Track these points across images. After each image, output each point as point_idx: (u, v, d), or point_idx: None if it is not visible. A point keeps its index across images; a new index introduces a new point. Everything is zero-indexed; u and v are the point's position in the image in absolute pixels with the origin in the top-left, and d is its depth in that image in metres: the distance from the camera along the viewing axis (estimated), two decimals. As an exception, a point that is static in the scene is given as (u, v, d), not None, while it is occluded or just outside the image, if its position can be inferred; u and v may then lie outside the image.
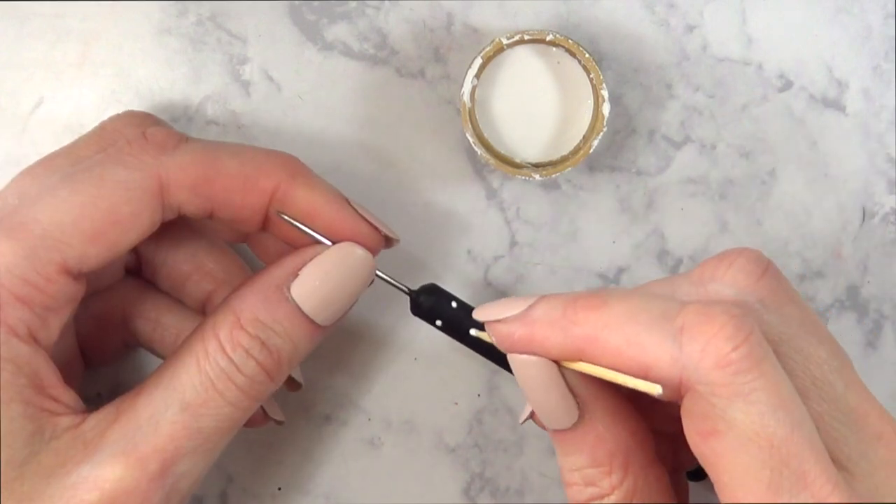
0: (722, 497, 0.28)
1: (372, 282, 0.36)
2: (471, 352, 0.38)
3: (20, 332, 0.31)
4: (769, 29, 0.40)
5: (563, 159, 0.39)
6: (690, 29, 0.40)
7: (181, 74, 0.40)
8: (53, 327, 0.32)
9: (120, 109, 0.39)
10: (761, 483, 0.27)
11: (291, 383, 0.37)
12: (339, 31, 0.40)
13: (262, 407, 0.37)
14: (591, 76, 0.38)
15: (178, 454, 0.31)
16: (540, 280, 0.41)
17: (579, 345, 0.30)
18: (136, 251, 0.37)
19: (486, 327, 0.32)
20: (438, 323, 0.37)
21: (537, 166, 0.39)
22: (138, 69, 0.40)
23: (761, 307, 0.31)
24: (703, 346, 0.28)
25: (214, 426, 0.32)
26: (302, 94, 0.40)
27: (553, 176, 0.38)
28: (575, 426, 0.31)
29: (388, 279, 0.36)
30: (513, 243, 0.41)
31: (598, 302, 0.30)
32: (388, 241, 0.36)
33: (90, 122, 0.38)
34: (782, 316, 0.31)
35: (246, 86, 0.40)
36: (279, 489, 0.41)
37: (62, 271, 0.31)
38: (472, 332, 0.34)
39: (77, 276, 0.32)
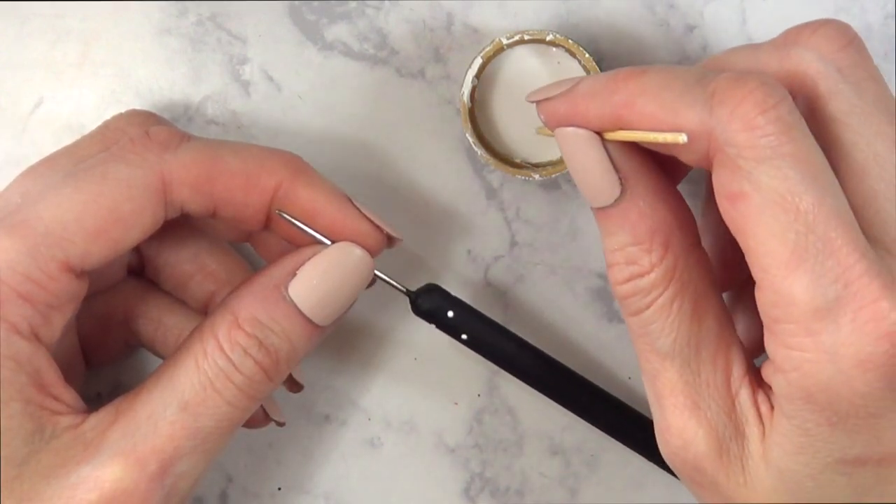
0: (751, 264, 0.29)
1: (373, 283, 0.36)
2: (471, 352, 0.38)
3: (22, 329, 0.31)
4: (769, 29, 0.40)
5: (563, 159, 0.39)
6: (690, 29, 0.40)
7: (181, 74, 0.40)
8: (56, 325, 0.32)
9: (120, 109, 0.39)
10: (786, 247, 0.27)
11: (293, 384, 0.37)
12: (339, 31, 0.40)
13: (262, 408, 0.37)
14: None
15: (177, 454, 0.31)
16: (540, 280, 0.41)
17: (617, 111, 0.30)
18: (138, 251, 0.37)
19: (537, 108, 0.33)
20: (439, 324, 0.37)
21: (537, 166, 0.39)
22: (138, 69, 0.40)
23: (839, 76, 0.31)
24: (732, 110, 0.28)
25: (213, 426, 0.32)
26: (302, 94, 0.40)
27: (553, 176, 0.38)
28: (617, 202, 0.31)
29: (388, 280, 0.36)
30: (513, 243, 0.41)
31: (637, 71, 0.30)
32: (391, 241, 0.36)
33: (90, 122, 0.38)
34: (859, 89, 0.31)
35: (246, 86, 0.40)
36: (279, 489, 0.41)
37: (65, 269, 0.31)
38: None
39: (80, 273, 0.32)
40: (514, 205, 0.41)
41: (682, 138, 0.29)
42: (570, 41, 0.38)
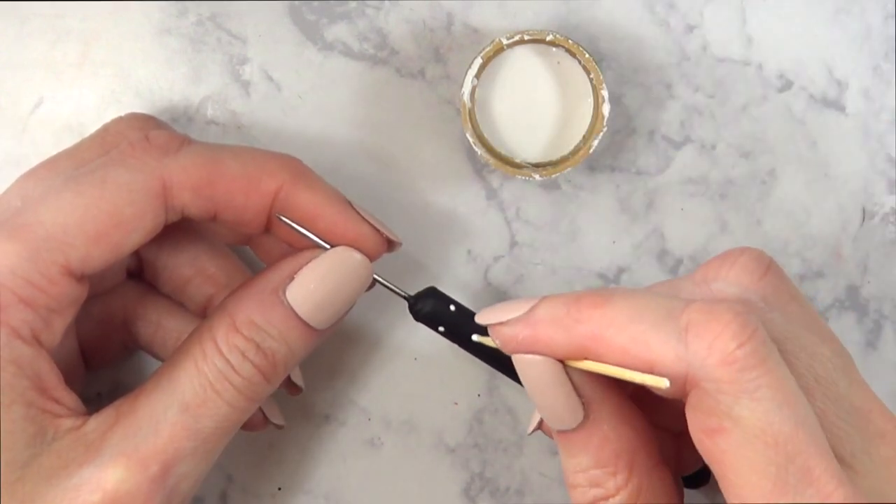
0: (728, 494, 0.28)
1: (372, 286, 0.36)
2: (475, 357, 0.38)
3: (23, 333, 0.31)
4: (769, 29, 0.40)
5: (563, 159, 0.39)
6: (690, 29, 0.40)
7: (181, 74, 0.40)
8: (56, 329, 0.32)
9: (120, 109, 0.39)
10: (767, 480, 0.27)
11: (292, 387, 0.37)
12: (339, 31, 0.40)
13: (262, 411, 0.37)
14: (591, 76, 0.38)
15: (178, 455, 0.32)
16: (540, 280, 0.41)
17: (584, 343, 0.30)
18: (137, 254, 0.37)
19: (490, 330, 0.32)
20: (440, 329, 0.36)
21: (537, 166, 0.39)
22: (138, 69, 0.40)
23: (764, 305, 0.31)
24: (709, 344, 0.28)
25: (214, 427, 0.32)
26: (302, 94, 0.40)
27: (553, 176, 0.38)
28: (580, 426, 0.31)
29: (387, 284, 0.36)
30: (513, 243, 0.41)
31: (601, 300, 0.30)
32: (391, 245, 0.36)
33: (90, 123, 0.38)
34: (785, 314, 0.31)
35: (246, 86, 0.40)
36: (279, 489, 0.41)
37: (65, 273, 0.31)
38: (475, 337, 0.34)
39: (80, 277, 0.32)
40: (514, 205, 0.40)
41: (664, 384, 0.28)
42: (570, 41, 0.38)
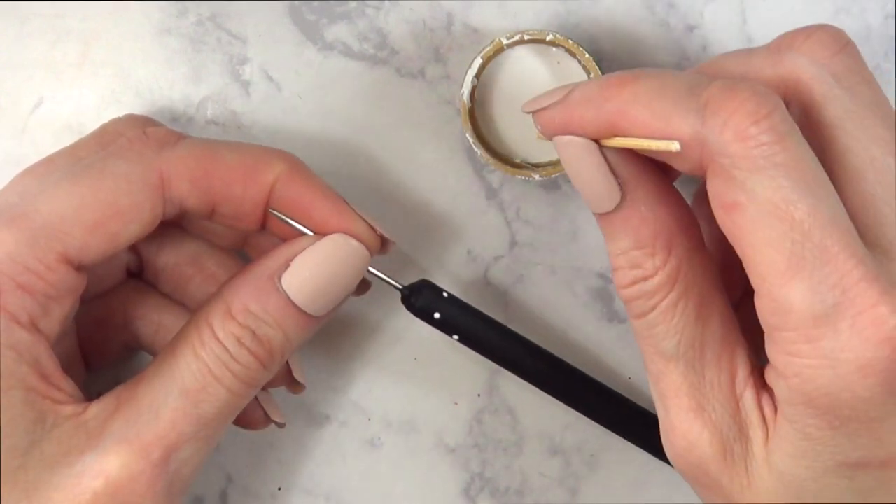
0: (749, 273, 0.29)
1: (367, 289, 0.36)
2: (471, 351, 0.38)
3: (21, 319, 0.31)
4: (769, 29, 0.40)
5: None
6: (690, 29, 0.40)
7: (181, 74, 0.40)
8: (54, 317, 0.32)
9: (120, 109, 0.39)
10: (783, 255, 0.27)
11: (294, 384, 0.37)
12: (339, 31, 0.40)
13: (263, 409, 0.37)
14: (591, 76, 0.38)
15: (179, 441, 0.32)
16: (540, 280, 0.41)
17: (611, 119, 0.30)
18: (137, 253, 0.37)
19: (533, 117, 0.33)
20: (435, 316, 0.37)
21: (537, 166, 0.39)
22: (138, 69, 0.40)
23: (834, 81, 0.31)
24: (724, 120, 0.28)
25: (214, 412, 0.32)
26: (302, 94, 0.40)
27: (553, 176, 0.38)
28: (618, 208, 0.31)
29: (380, 275, 0.36)
30: (513, 243, 0.41)
31: (630, 78, 0.30)
32: (384, 245, 0.36)
33: (90, 122, 0.38)
34: (853, 94, 0.31)
35: (246, 86, 0.40)
36: (279, 489, 0.41)
37: (63, 260, 0.31)
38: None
39: (78, 266, 0.32)
40: (514, 205, 0.40)
41: (674, 146, 0.29)
42: (570, 41, 0.38)
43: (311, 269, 0.34)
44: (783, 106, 0.28)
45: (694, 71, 0.34)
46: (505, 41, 0.38)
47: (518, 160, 0.39)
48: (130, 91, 0.40)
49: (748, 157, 0.28)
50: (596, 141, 0.31)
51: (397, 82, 0.40)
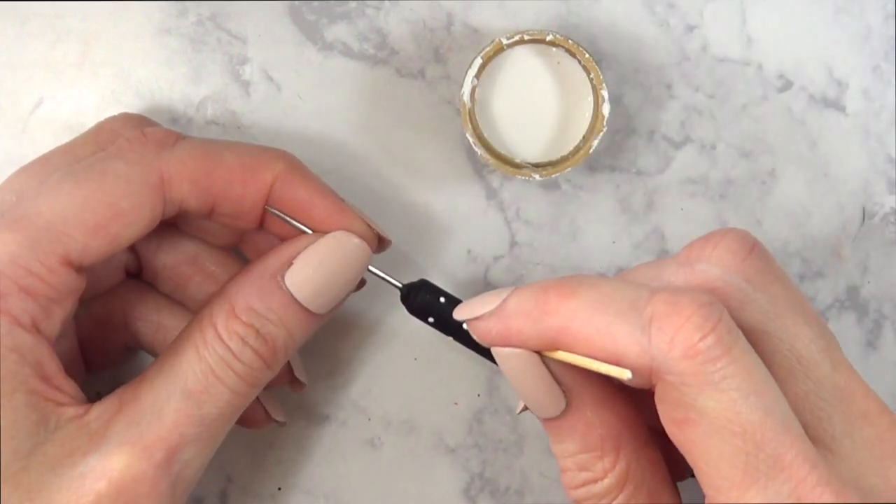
0: (702, 484, 0.29)
1: (363, 285, 0.36)
2: (471, 352, 0.38)
3: (24, 322, 0.31)
4: (769, 29, 0.40)
5: (563, 159, 0.39)
6: (690, 29, 0.40)
7: (181, 74, 0.40)
8: (56, 319, 0.32)
9: (120, 109, 0.39)
10: (737, 469, 0.27)
11: (296, 383, 0.37)
12: (339, 31, 0.40)
13: (264, 408, 0.37)
14: (591, 76, 0.38)
15: (182, 442, 0.32)
16: (540, 280, 0.41)
17: (552, 335, 0.30)
18: (136, 253, 0.37)
19: (467, 325, 0.32)
20: (430, 319, 0.37)
21: (537, 166, 0.39)
22: (138, 69, 0.40)
23: (748, 286, 0.31)
24: (671, 338, 0.28)
25: (216, 412, 0.32)
26: (302, 94, 0.40)
27: (553, 176, 0.38)
28: (564, 414, 0.31)
29: (380, 274, 0.36)
30: (513, 243, 0.41)
31: (567, 291, 0.30)
32: (381, 243, 0.36)
33: (90, 123, 0.38)
34: (769, 295, 0.31)
35: (246, 86, 0.40)
36: (279, 489, 0.41)
37: (64, 262, 0.31)
38: (464, 325, 0.34)
39: (79, 268, 0.32)
40: (514, 205, 0.40)
41: (626, 375, 0.29)
42: (570, 41, 0.38)
43: (314, 267, 0.34)
44: (727, 314, 0.28)
45: (621, 280, 0.33)
46: (505, 41, 0.38)
47: (518, 160, 0.39)
48: (130, 91, 0.40)
49: (697, 374, 0.28)
50: (538, 352, 0.31)
51: (397, 82, 0.40)
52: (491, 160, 0.38)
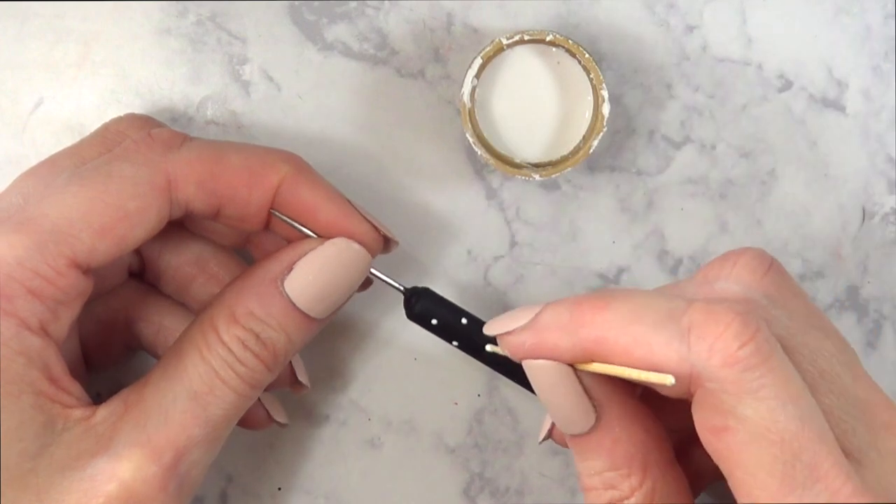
0: (737, 493, 0.29)
1: (369, 284, 0.36)
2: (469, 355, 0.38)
3: (31, 324, 0.31)
4: (769, 29, 0.40)
5: (563, 159, 0.39)
6: (690, 29, 0.40)
7: (181, 74, 0.40)
8: (63, 321, 0.32)
9: (120, 109, 0.39)
10: (774, 477, 0.27)
11: (298, 385, 0.37)
12: (339, 31, 0.40)
13: (266, 409, 0.37)
14: (591, 76, 0.38)
15: (189, 443, 0.32)
16: (540, 280, 0.41)
17: (589, 346, 0.30)
18: (139, 253, 0.37)
19: (498, 340, 0.32)
20: (433, 322, 0.37)
21: (537, 166, 0.39)
22: (138, 69, 0.40)
23: (768, 303, 0.31)
24: (711, 345, 0.28)
25: (221, 413, 0.33)
26: (302, 94, 0.40)
27: (553, 176, 0.38)
28: (592, 430, 0.31)
29: (383, 277, 0.36)
30: (513, 243, 0.41)
31: (602, 303, 0.30)
32: (387, 244, 0.36)
33: (90, 122, 0.38)
34: (789, 311, 0.31)
35: (246, 86, 0.40)
36: (279, 489, 0.41)
37: (72, 265, 0.31)
38: (488, 347, 0.34)
39: (86, 270, 0.32)
40: (514, 205, 0.40)
41: (669, 380, 0.29)
42: (570, 41, 0.38)
43: (314, 273, 0.34)
44: (764, 324, 0.28)
45: (659, 291, 0.33)
46: (505, 41, 0.38)
47: (518, 160, 0.39)
48: (130, 91, 0.40)
49: (736, 382, 0.28)
50: (571, 365, 0.31)
51: (397, 82, 0.40)
52: (491, 160, 0.38)
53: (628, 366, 0.30)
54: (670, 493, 0.31)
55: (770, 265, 0.32)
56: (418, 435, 0.41)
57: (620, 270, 0.41)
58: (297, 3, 0.40)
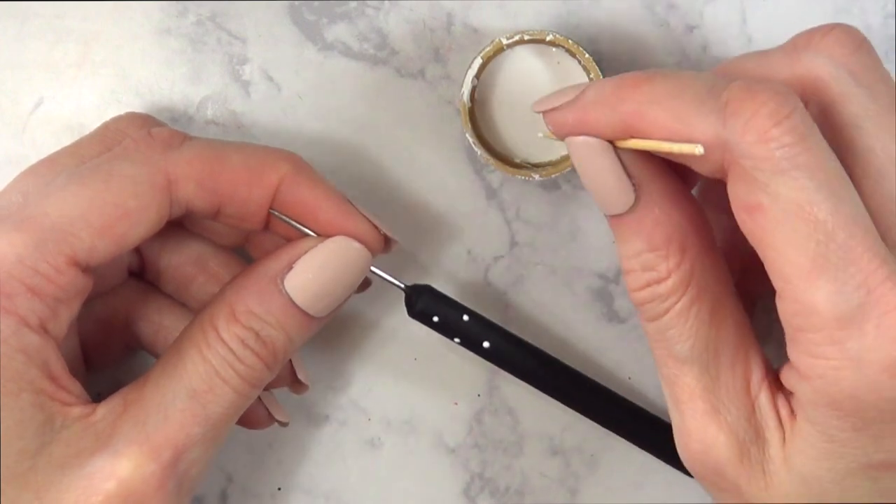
0: (771, 275, 0.29)
1: (368, 285, 0.36)
2: (471, 352, 0.38)
3: (31, 322, 0.31)
4: (769, 29, 0.40)
5: (563, 159, 0.39)
6: (690, 29, 0.40)
7: (181, 74, 0.40)
8: (63, 319, 0.32)
9: (120, 109, 0.39)
10: (806, 256, 0.27)
11: (297, 384, 0.37)
12: (339, 31, 0.40)
13: (266, 409, 0.37)
14: (591, 76, 0.38)
15: (189, 442, 0.32)
16: (540, 280, 0.41)
17: (628, 120, 0.30)
18: (139, 253, 0.37)
19: (543, 117, 0.32)
20: (434, 319, 0.37)
21: (537, 166, 0.39)
22: (138, 69, 0.40)
23: (852, 79, 0.31)
24: (746, 122, 0.28)
25: (221, 412, 0.33)
26: (302, 94, 0.40)
27: (553, 176, 0.38)
28: (632, 210, 0.31)
29: (384, 275, 0.36)
30: (513, 243, 0.41)
31: (645, 78, 0.30)
32: (388, 243, 0.36)
33: (90, 122, 0.38)
34: (872, 92, 0.31)
35: (246, 86, 0.40)
36: (279, 489, 0.41)
37: (72, 263, 0.31)
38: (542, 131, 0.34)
39: (86, 269, 0.32)
40: (514, 205, 0.41)
41: (698, 149, 0.29)
42: (570, 41, 0.38)
43: (314, 272, 0.34)
44: (802, 106, 0.28)
45: (711, 73, 0.34)
46: (505, 41, 0.38)
47: (518, 160, 0.39)
48: (130, 91, 0.40)
49: (770, 159, 0.28)
50: (610, 142, 0.31)
51: (397, 82, 0.40)
52: (491, 160, 0.38)
53: (665, 138, 0.30)
54: (709, 278, 0.31)
55: (861, 43, 0.32)
56: (418, 435, 0.41)
57: (620, 270, 0.41)
58: (297, 3, 0.40)
